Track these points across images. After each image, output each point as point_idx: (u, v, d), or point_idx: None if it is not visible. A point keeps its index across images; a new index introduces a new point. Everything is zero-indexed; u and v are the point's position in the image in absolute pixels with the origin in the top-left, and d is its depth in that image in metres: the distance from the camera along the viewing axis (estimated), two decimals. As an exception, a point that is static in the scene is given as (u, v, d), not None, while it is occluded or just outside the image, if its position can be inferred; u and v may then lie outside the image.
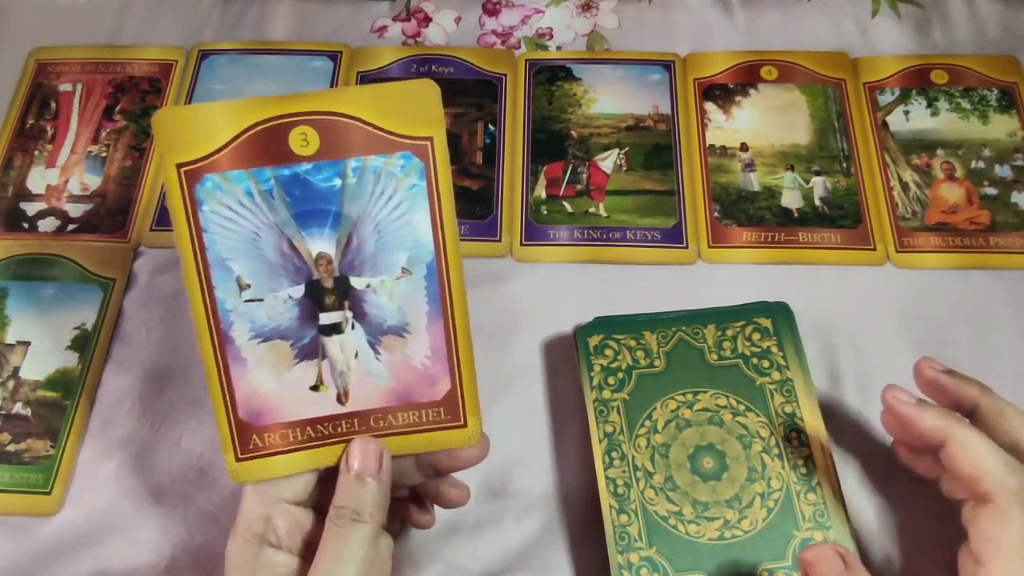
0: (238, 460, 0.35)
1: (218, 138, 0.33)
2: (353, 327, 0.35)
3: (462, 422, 0.36)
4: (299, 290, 0.35)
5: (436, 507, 0.41)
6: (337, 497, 0.34)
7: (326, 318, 0.35)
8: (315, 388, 0.36)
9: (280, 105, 0.33)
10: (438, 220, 0.35)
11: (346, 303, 0.35)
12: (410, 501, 0.40)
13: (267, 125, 0.33)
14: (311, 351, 0.35)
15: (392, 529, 0.40)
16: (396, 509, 0.40)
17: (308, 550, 0.35)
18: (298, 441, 0.35)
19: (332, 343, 0.36)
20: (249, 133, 0.33)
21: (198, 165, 0.33)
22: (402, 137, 0.34)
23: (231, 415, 0.35)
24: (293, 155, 0.34)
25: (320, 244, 0.35)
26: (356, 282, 0.35)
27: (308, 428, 0.35)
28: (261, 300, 0.35)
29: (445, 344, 0.36)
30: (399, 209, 0.35)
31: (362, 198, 0.34)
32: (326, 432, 0.36)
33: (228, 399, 0.35)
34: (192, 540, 0.44)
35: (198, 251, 0.34)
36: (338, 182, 0.34)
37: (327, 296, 0.35)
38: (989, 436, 0.36)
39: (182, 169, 0.33)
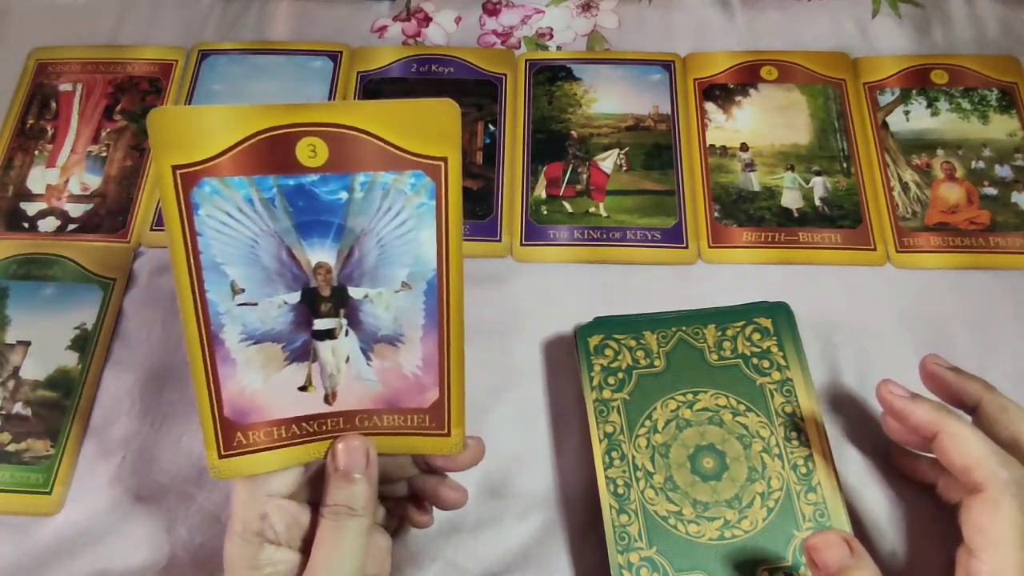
0: (220, 457, 0.35)
1: (220, 142, 0.32)
2: (347, 334, 0.35)
3: (446, 431, 0.36)
4: (295, 296, 0.35)
5: (435, 508, 0.41)
6: (329, 496, 0.34)
7: (320, 324, 0.35)
8: (304, 388, 0.35)
9: (289, 114, 0.32)
10: (443, 239, 0.34)
11: (342, 311, 0.35)
12: (409, 501, 0.40)
13: (274, 133, 0.32)
14: (302, 354, 0.35)
15: (390, 527, 0.40)
16: (395, 508, 0.40)
17: (308, 545, 0.35)
18: (283, 438, 0.35)
19: (324, 347, 0.35)
20: (254, 140, 0.32)
21: (196, 168, 0.32)
22: (415, 155, 0.33)
23: (216, 413, 0.35)
24: (299, 165, 0.33)
25: (320, 254, 0.34)
26: (354, 292, 0.35)
27: (293, 425, 0.35)
28: (255, 304, 0.34)
29: (437, 356, 0.36)
30: (405, 226, 0.34)
31: (368, 213, 0.34)
32: (311, 429, 0.36)
33: (214, 398, 0.34)
34: (192, 540, 0.44)
35: (191, 254, 0.33)
36: (344, 195, 0.33)
37: (323, 303, 0.35)
38: (990, 432, 0.36)
39: (178, 171, 0.32)
